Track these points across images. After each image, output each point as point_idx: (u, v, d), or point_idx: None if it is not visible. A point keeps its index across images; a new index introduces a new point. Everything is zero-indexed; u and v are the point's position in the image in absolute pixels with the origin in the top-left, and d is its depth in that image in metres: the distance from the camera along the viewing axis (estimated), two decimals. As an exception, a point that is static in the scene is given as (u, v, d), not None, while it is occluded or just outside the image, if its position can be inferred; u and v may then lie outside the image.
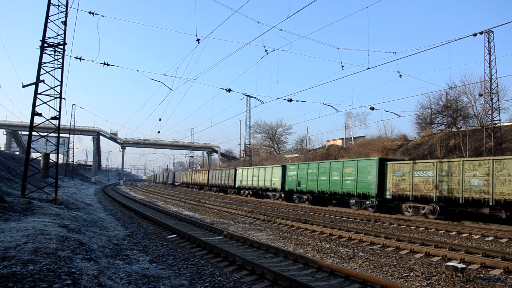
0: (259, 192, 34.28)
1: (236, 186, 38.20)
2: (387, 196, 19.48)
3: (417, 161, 19.06)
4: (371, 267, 7.53)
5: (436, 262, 8.00)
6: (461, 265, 6.54)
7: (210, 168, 58.65)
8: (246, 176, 36.17)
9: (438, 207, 16.82)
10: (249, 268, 6.81)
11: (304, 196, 26.41)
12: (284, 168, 29.57)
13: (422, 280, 6.57)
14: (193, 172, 57.54)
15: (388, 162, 20.07)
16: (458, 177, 16.12)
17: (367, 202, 20.66)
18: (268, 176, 32.11)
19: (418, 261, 8.11)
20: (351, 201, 22.01)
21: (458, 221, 15.97)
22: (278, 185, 29.96)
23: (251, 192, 35.44)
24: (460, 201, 15.85)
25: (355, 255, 8.59)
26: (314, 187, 25.10)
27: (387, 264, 7.73)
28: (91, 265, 6.12)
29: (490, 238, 11.33)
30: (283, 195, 29.67)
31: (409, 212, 18.28)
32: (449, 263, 6.82)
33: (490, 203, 14.65)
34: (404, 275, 6.93)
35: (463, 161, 16.37)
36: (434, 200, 16.96)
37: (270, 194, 31.92)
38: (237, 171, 38.94)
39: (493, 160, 15.11)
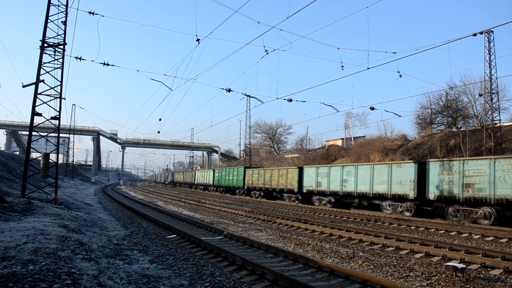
0: (205, 187, 48.86)
1: (195, 183, 53.55)
2: (246, 187, 34.88)
3: (254, 169, 34.80)
4: (371, 267, 7.53)
5: (436, 262, 8.00)
6: (461, 265, 6.54)
7: (184, 171, 75.14)
8: (199, 177, 51.30)
9: (263, 193, 31.72)
10: (249, 268, 6.81)
11: (221, 188, 42.15)
12: (214, 171, 45.33)
13: (422, 280, 6.57)
14: (176, 173, 76.12)
15: (246, 169, 35.63)
16: (272, 177, 30.27)
17: (241, 191, 36.06)
18: (207, 176, 47.41)
19: (418, 261, 8.11)
20: (237, 191, 37.55)
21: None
22: (211, 182, 45.45)
23: (202, 187, 50.46)
24: (269, 189, 30.84)
25: (355, 255, 8.59)
26: (223, 183, 40.55)
27: (387, 264, 7.73)
28: (91, 265, 6.12)
29: (490, 238, 11.33)
30: (214, 189, 44.76)
31: (254, 196, 33.13)
32: (449, 263, 6.81)
33: (277, 190, 29.39)
34: (404, 275, 6.93)
35: (271, 169, 31.03)
36: (262, 189, 31.80)
37: (209, 188, 46.77)
38: (196, 173, 54.15)
39: (287, 168, 28.60)
